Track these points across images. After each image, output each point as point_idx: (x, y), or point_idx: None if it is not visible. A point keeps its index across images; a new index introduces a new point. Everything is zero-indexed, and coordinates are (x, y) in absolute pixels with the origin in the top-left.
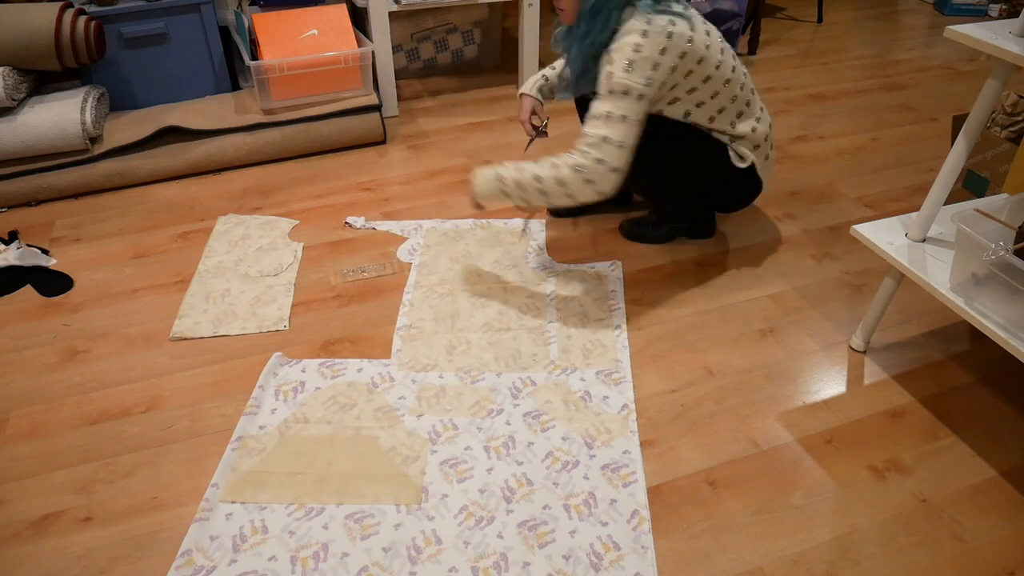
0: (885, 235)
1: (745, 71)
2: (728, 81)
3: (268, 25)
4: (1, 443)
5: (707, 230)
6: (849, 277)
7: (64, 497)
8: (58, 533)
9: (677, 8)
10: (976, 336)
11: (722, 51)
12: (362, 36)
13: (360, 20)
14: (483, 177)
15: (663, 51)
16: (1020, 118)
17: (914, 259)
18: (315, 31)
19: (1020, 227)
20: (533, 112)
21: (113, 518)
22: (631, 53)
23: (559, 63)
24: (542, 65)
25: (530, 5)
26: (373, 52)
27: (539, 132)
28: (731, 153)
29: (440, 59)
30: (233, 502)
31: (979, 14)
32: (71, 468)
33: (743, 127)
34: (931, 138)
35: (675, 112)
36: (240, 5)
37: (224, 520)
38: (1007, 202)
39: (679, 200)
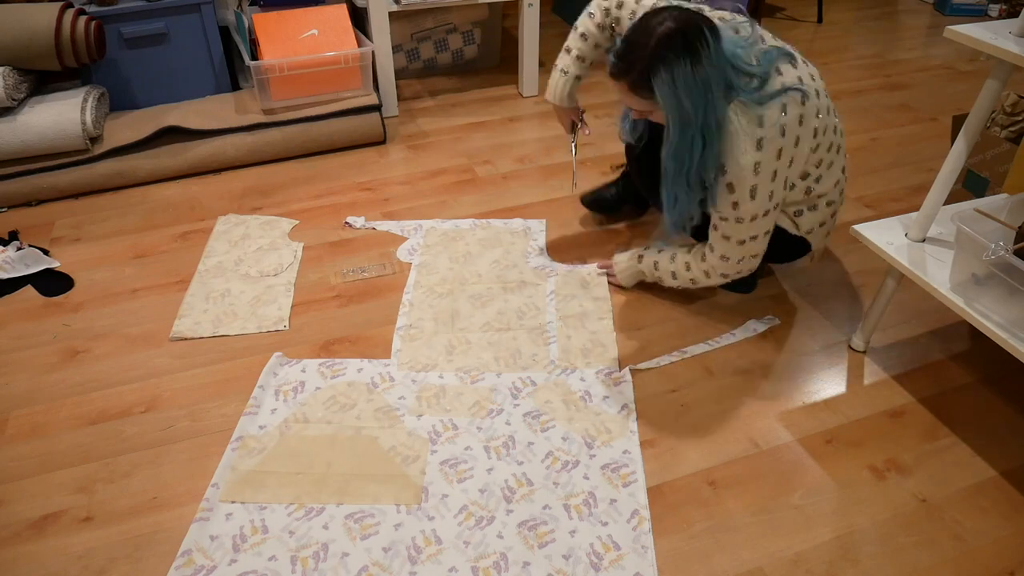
0: (885, 235)
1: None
2: (835, 129)
3: (268, 25)
4: (1, 443)
5: (747, 285)
6: (849, 277)
7: (64, 497)
8: (58, 533)
9: (785, 78)
10: (976, 336)
11: (829, 109)
12: (362, 36)
13: (360, 20)
14: (628, 278)
15: (780, 153)
16: (1020, 118)
17: (914, 259)
18: (315, 31)
19: (1020, 227)
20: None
21: (113, 518)
22: (752, 177)
23: (575, 43)
24: (542, 65)
25: (530, 5)
26: (373, 52)
27: (579, 126)
28: (785, 220)
29: (440, 59)
30: (233, 502)
31: (979, 14)
32: (71, 468)
33: (828, 182)
34: (931, 138)
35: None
36: (240, 5)
37: (224, 520)
38: (1007, 202)
39: None
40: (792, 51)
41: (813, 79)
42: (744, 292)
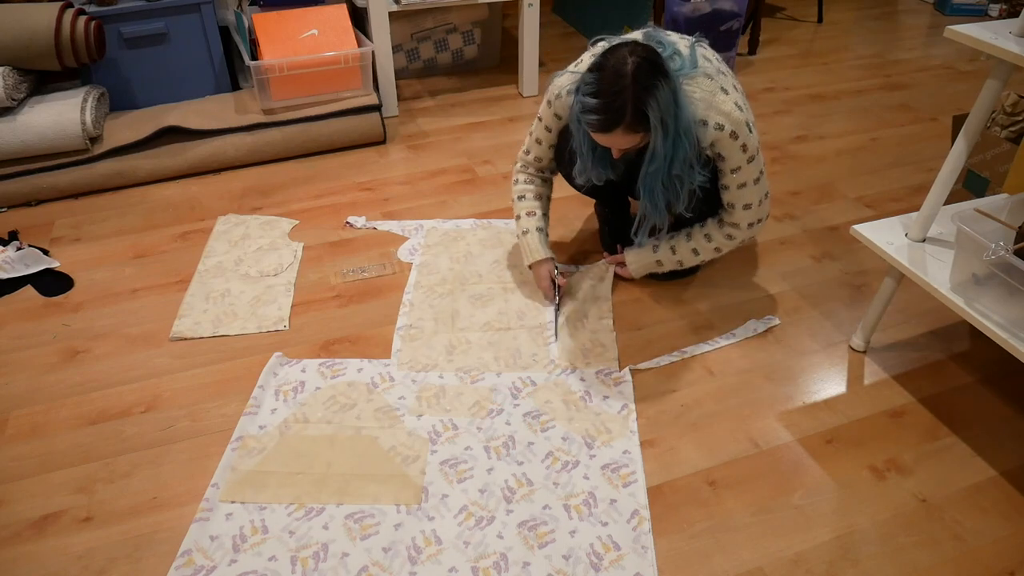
0: (885, 235)
1: None
2: None
3: (268, 25)
4: (1, 443)
5: (691, 270)
6: (849, 277)
7: (64, 497)
8: (58, 533)
9: (679, 44)
10: (976, 336)
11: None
12: (362, 36)
13: (360, 20)
14: (641, 268)
15: (735, 87)
16: (1020, 118)
17: (914, 259)
18: (315, 31)
19: (1020, 227)
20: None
21: (113, 518)
22: (740, 114)
23: (529, 200)
24: (542, 65)
25: (530, 5)
26: (373, 52)
27: (558, 289)
28: None
29: (440, 59)
30: (233, 502)
31: (979, 14)
32: (71, 468)
33: None
34: (931, 138)
35: None
36: (240, 5)
37: (224, 520)
38: (1007, 202)
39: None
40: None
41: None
42: (689, 276)
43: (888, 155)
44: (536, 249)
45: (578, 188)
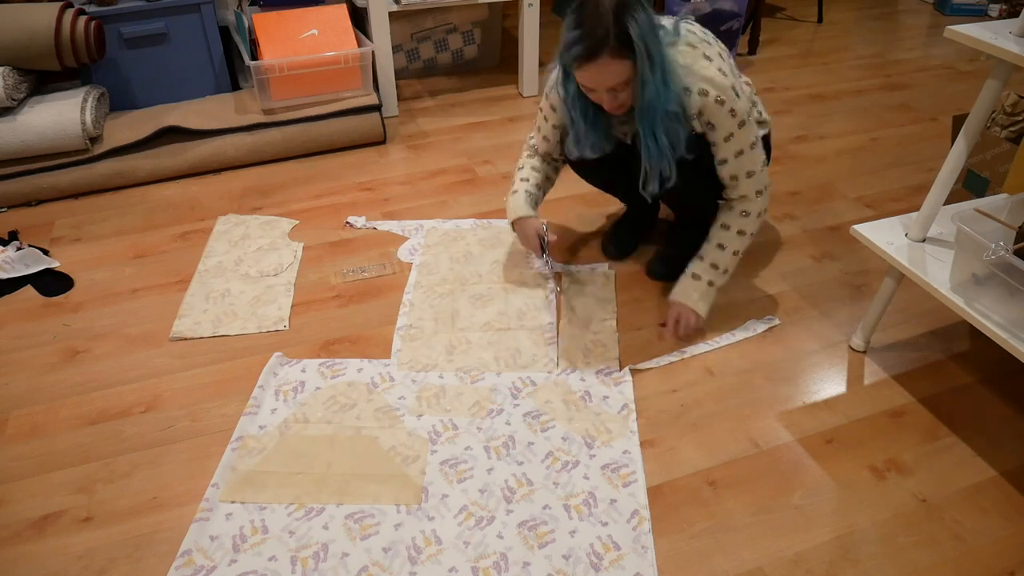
0: (885, 235)
1: None
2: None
3: (268, 25)
4: (1, 443)
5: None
6: (849, 277)
7: (64, 497)
8: (58, 533)
9: (667, 23)
10: (976, 336)
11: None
12: (362, 36)
13: (360, 20)
14: (701, 299)
15: (720, 55)
16: (1020, 118)
17: (914, 259)
18: (315, 31)
19: (1020, 227)
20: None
21: (113, 518)
22: (724, 80)
23: (526, 170)
24: (542, 65)
25: (530, 5)
26: (373, 52)
27: (546, 244)
28: None
29: (440, 59)
30: (233, 502)
31: (979, 14)
32: (71, 468)
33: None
34: (931, 138)
35: None
36: (240, 5)
37: (224, 520)
38: (1007, 202)
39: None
40: None
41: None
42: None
43: (888, 155)
44: (519, 207)
45: (581, 170)
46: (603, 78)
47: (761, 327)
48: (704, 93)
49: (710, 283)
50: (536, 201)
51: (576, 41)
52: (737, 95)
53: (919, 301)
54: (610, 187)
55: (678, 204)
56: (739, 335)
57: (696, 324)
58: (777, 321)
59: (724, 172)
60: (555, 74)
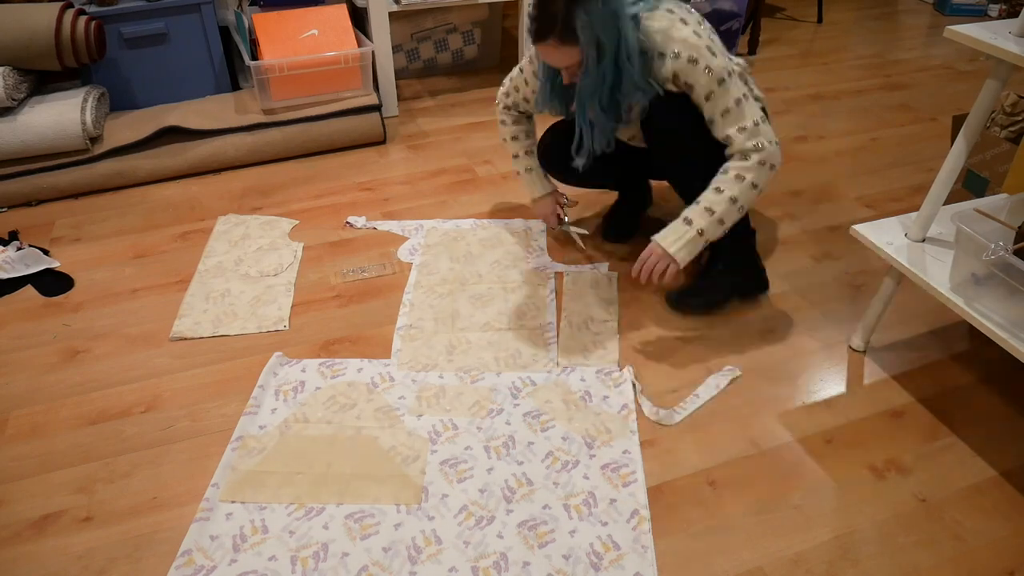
0: (885, 235)
1: None
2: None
3: (268, 25)
4: (1, 443)
5: (758, 281)
6: (849, 277)
7: (64, 497)
8: (58, 533)
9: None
10: (976, 336)
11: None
12: (362, 36)
13: (360, 20)
14: (683, 246)
15: (700, 21)
16: (1020, 118)
17: (914, 259)
18: (315, 31)
19: (1020, 227)
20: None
21: (113, 518)
22: (699, 40)
23: (516, 147)
24: None
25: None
26: (373, 52)
27: (567, 216)
28: None
29: (440, 59)
30: (233, 502)
31: (979, 14)
32: (71, 468)
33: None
34: (931, 138)
35: None
36: (240, 5)
37: (224, 520)
38: (1007, 202)
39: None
40: None
41: None
42: (759, 291)
43: (888, 155)
44: (537, 183)
45: (568, 178)
46: (551, 59)
47: (724, 380)
48: (676, 55)
49: (700, 232)
50: (546, 171)
51: (532, 20)
52: (713, 54)
53: (919, 301)
54: (597, 182)
55: (663, 174)
56: (704, 396)
57: (668, 273)
58: (738, 372)
59: (717, 133)
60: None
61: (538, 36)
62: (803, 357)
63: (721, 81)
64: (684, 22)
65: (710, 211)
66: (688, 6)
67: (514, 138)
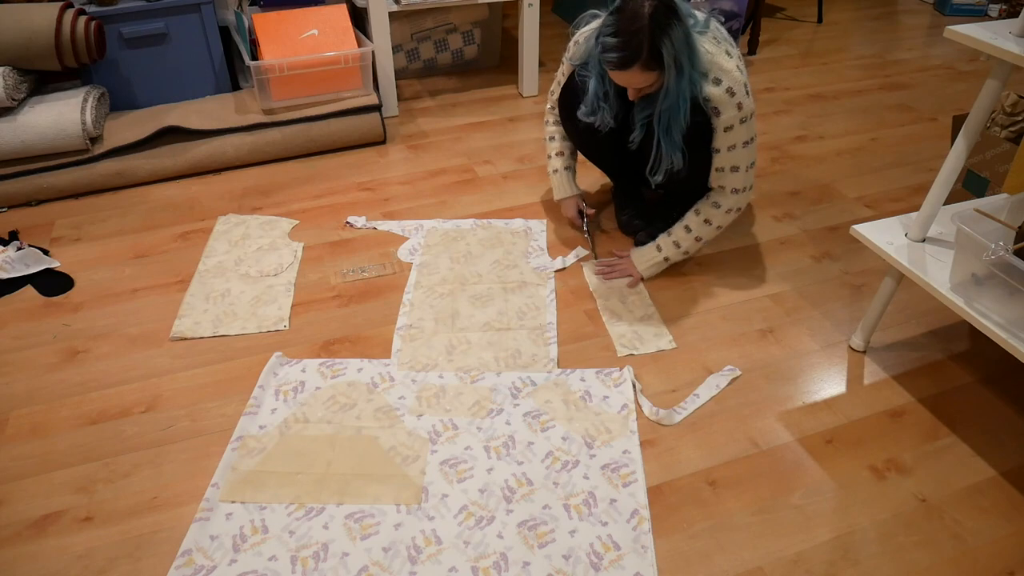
0: (885, 235)
1: None
2: None
3: (268, 25)
4: (1, 443)
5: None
6: (849, 277)
7: (64, 497)
8: (58, 533)
9: (700, 14)
10: (976, 336)
11: None
12: (362, 36)
13: (360, 20)
14: (650, 267)
15: (739, 56)
16: (1020, 118)
17: (914, 259)
18: (315, 31)
19: (1020, 227)
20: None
21: (113, 518)
22: (740, 75)
23: (558, 141)
24: (542, 65)
25: (530, 5)
26: (373, 52)
27: (586, 219)
28: None
29: (440, 59)
30: (233, 502)
31: (979, 14)
32: (71, 468)
33: None
34: (931, 138)
35: None
36: (240, 5)
37: (224, 520)
38: (1007, 202)
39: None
40: None
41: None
42: None
43: (888, 155)
44: (564, 186)
45: (577, 139)
46: (630, 82)
47: (724, 380)
48: (718, 82)
49: (666, 259)
50: (575, 173)
51: (611, 48)
52: (747, 93)
53: (919, 301)
54: (596, 156)
55: (678, 189)
56: (704, 396)
57: (631, 282)
58: (738, 372)
59: (714, 161)
60: (579, 35)
61: (622, 65)
62: (803, 357)
63: (744, 120)
64: (729, 54)
65: (677, 245)
66: (729, 36)
67: (551, 138)
